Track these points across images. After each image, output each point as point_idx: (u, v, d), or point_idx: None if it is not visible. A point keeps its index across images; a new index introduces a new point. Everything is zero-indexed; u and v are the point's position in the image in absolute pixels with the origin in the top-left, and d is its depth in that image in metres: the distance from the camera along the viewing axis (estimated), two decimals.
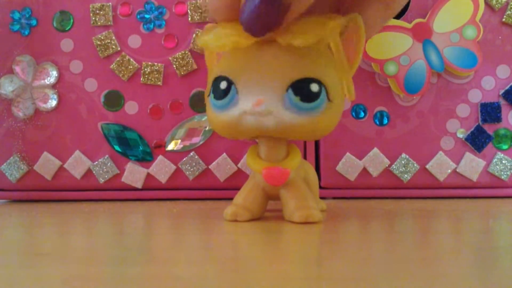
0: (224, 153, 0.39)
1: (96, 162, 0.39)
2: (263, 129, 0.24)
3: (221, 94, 0.25)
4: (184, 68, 0.38)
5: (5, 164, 0.39)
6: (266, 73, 0.24)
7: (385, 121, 0.38)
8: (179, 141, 0.39)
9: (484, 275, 0.16)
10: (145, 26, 0.39)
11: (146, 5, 0.39)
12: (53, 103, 0.39)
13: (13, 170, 0.39)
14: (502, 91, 0.38)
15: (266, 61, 0.24)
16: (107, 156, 0.39)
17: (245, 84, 0.24)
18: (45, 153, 0.39)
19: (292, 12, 0.22)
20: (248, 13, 0.22)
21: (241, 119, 0.24)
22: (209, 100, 0.26)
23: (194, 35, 0.38)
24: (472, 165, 0.38)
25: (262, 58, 0.24)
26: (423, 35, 0.37)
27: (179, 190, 0.39)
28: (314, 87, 0.24)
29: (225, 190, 0.39)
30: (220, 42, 0.24)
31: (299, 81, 0.24)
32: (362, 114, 0.39)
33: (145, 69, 0.39)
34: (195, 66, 0.39)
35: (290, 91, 0.24)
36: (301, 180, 0.28)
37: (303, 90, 0.24)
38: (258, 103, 0.24)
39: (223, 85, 0.25)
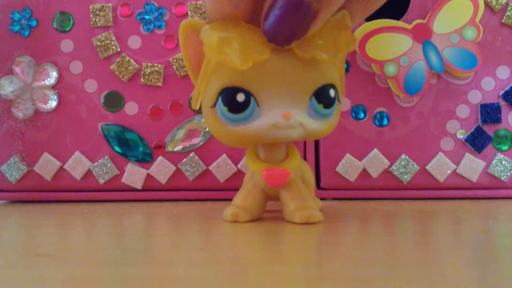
0: (224, 154, 0.39)
1: (96, 163, 0.39)
2: (288, 139, 0.25)
3: (238, 107, 0.24)
4: (184, 69, 0.39)
5: (5, 165, 0.39)
6: (288, 84, 0.24)
7: (385, 122, 0.38)
8: (179, 142, 0.39)
9: (484, 276, 0.16)
10: (145, 27, 0.39)
11: (146, 6, 0.39)
12: (53, 104, 0.39)
13: (13, 170, 0.39)
14: (502, 92, 0.38)
15: (284, 70, 0.24)
16: (107, 157, 0.39)
17: (266, 96, 0.24)
18: (45, 153, 0.39)
19: (319, 20, 0.22)
20: (273, 22, 0.22)
21: (268, 132, 0.24)
22: (217, 112, 0.24)
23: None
24: (472, 166, 0.38)
25: (280, 68, 0.24)
26: (423, 36, 0.37)
27: (179, 191, 0.39)
28: (332, 92, 0.24)
29: (225, 191, 0.39)
30: (244, 62, 0.23)
31: (320, 88, 0.24)
32: (362, 115, 0.39)
33: (145, 70, 0.39)
34: None
35: (313, 99, 0.24)
36: (300, 181, 0.28)
37: (325, 97, 0.24)
38: (287, 117, 0.23)
39: (241, 97, 0.23)
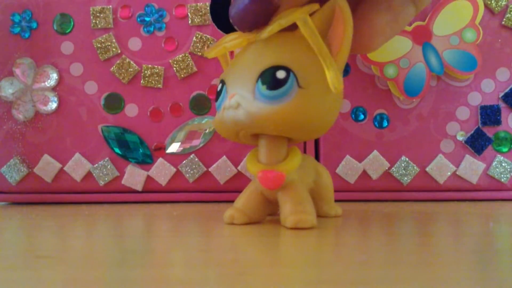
0: (224, 156, 0.39)
1: (96, 165, 0.39)
2: (238, 123, 0.25)
3: (217, 96, 0.26)
4: (184, 71, 0.39)
5: (5, 167, 0.39)
6: (242, 68, 0.25)
7: (385, 123, 0.38)
8: (179, 143, 0.39)
9: (485, 278, 0.16)
10: (145, 29, 0.39)
11: (146, 8, 0.39)
12: (53, 105, 0.39)
13: (13, 172, 0.39)
14: (501, 94, 0.38)
15: (244, 58, 0.25)
16: (107, 158, 0.39)
17: (229, 83, 0.25)
18: (45, 155, 0.39)
19: (279, 13, 0.23)
20: (238, 9, 0.23)
21: (223, 115, 0.25)
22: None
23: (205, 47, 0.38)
24: (472, 167, 0.38)
25: (242, 56, 0.25)
26: (422, 38, 0.37)
27: (179, 192, 0.39)
28: (280, 74, 0.23)
29: (225, 193, 0.39)
30: (212, 50, 0.26)
31: (266, 70, 0.24)
32: (361, 116, 0.39)
33: (145, 71, 0.39)
34: (195, 69, 0.39)
35: (259, 81, 0.24)
36: (302, 184, 0.27)
37: (269, 78, 0.23)
38: (231, 97, 0.25)
39: (219, 87, 0.26)
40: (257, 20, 0.24)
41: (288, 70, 0.23)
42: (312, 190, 0.28)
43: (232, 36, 0.26)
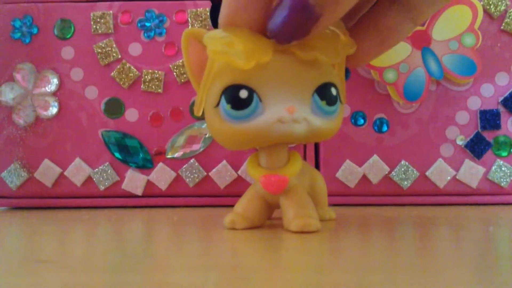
0: (224, 160, 0.39)
1: (97, 169, 0.39)
2: (292, 136, 0.24)
3: (241, 104, 0.23)
4: (185, 75, 0.39)
5: (5, 172, 0.39)
6: (289, 80, 0.24)
7: (385, 128, 0.39)
8: (179, 148, 0.39)
9: (485, 283, 0.16)
10: (145, 34, 0.39)
11: (146, 13, 0.39)
12: (53, 110, 0.39)
13: (14, 177, 0.39)
14: (501, 98, 0.38)
15: (286, 69, 0.24)
16: (107, 163, 0.39)
17: (269, 92, 0.24)
18: (45, 160, 0.39)
19: (320, 24, 0.22)
20: (277, 21, 0.22)
21: (273, 128, 0.24)
22: (220, 111, 0.24)
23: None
24: (471, 172, 0.38)
25: (281, 68, 0.24)
26: (422, 42, 0.37)
27: (179, 197, 0.39)
28: (334, 91, 0.25)
29: (225, 197, 0.39)
30: (246, 61, 0.23)
31: (322, 85, 0.24)
32: (361, 121, 0.39)
33: (146, 76, 0.39)
34: None
35: (315, 96, 0.24)
36: (303, 188, 0.27)
37: (327, 94, 0.24)
38: (291, 110, 0.23)
39: (244, 94, 0.23)
40: (299, 31, 0.23)
41: (336, 88, 0.25)
42: (308, 194, 0.28)
43: (251, 45, 0.23)
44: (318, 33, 0.23)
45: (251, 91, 0.24)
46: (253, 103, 0.24)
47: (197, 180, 0.39)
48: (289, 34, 0.23)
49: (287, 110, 0.23)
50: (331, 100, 0.24)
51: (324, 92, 0.24)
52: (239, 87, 0.24)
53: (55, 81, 0.39)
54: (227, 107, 0.24)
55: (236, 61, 0.23)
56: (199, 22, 0.39)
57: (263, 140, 0.24)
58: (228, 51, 0.23)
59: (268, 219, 0.29)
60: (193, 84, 0.26)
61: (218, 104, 0.24)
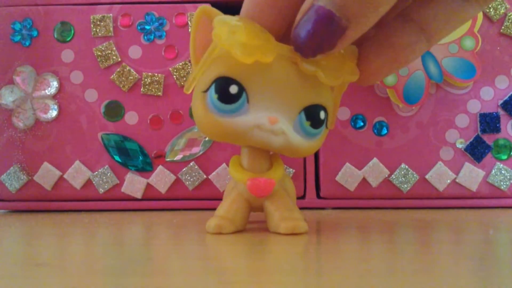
0: (224, 163, 0.39)
1: (96, 172, 0.39)
2: (268, 146, 0.24)
3: (229, 99, 0.23)
4: (184, 78, 0.39)
5: (5, 175, 0.39)
6: (282, 91, 0.24)
7: (384, 131, 0.39)
8: (179, 151, 0.39)
9: (485, 286, 0.16)
10: (145, 37, 0.39)
11: (146, 16, 0.39)
12: (53, 113, 0.39)
13: (13, 180, 0.39)
14: (501, 102, 0.38)
15: (283, 78, 0.24)
16: (107, 166, 0.39)
17: (258, 96, 0.24)
18: (45, 163, 0.39)
19: (346, 37, 0.22)
20: (302, 33, 0.22)
21: (251, 132, 0.24)
22: (207, 98, 0.24)
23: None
24: (471, 175, 0.38)
25: (279, 75, 0.24)
26: None
27: (178, 200, 0.39)
28: (322, 115, 0.24)
29: None
30: (247, 55, 0.22)
31: (312, 106, 0.24)
32: (361, 124, 0.39)
33: (145, 79, 0.39)
34: None
35: (302, 114, 0.24)
36: (285, 191, 0.27)
37: (314, 116, 0.24)
38: (274, 121, 0.23)
39: (234, 89, 0.23)
40: (323, 45, 0.22)
41: (326, 111, 0.25)
42: None
43: (256, 41, 0.23)
44: (342, 48, 0.23)
45: (241, 89, 0.23)
46: (239, 101, 0.23)
47: (196, 183, 0.39)
48: (314, 46, 0.22)
49: (269, 120, 0.23)
50: (316, 123, 0.24)
51: (311, 113, 0.24)
52: (231, 81, 0.23)
53: (55, 84, 0.39)
54: (214, 96, 0.24)
55: (237, 52, 0.22)
56: None
57: (238, 140, 0.24)
58: (231, 39, 0.22)
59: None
60: (192, 60, 0.25)
61: (207, 90, 0.24)
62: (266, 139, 0.24)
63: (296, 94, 0.24)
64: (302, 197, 0.39)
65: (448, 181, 0.38)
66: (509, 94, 0.38)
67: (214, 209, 0.39)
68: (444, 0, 0.24)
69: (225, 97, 0.23)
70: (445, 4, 0.24)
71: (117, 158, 0.39)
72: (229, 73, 0.24)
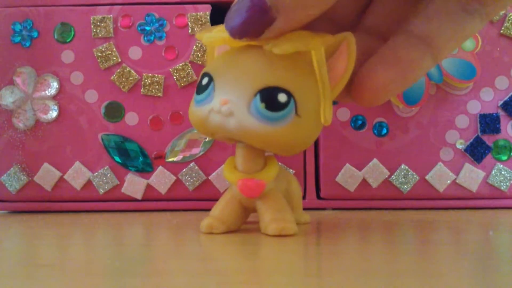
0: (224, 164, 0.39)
1: (96, 173, 0.39)
2: (226, 130, 0.24)
3: (200, 89, 0.25)
4: (184, 79, 0.39)
5: (5, 175, 0.39)
6: (240, 75, 0.24)
7: (384, 132, 0.39)
8: (179, 152, 0.39)
9: (485, 286, 0.16)
10: (145, 38, 0.39)
11: (146, 17, 0.39)
12: (53, 114, 0.39)
13: (13, 181, 0.39)
14: (501, 102, 0.38)
15: (244, 63, 0.24)
16: (107, 167, 0.39)
17: (221, 83, 0.24)
18: (45, 164, 0.39)
19: (274, 28, 0.22)
20: (234, 13, 0.23)
21: (208, 117, 0.24)
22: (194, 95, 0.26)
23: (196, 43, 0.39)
24: (471, 176, 0.38)
25: (242, 59, 0.24)
26: None
27: (179, 201, 0.39)
28: (282, 97, 0.23)
29: None
30: (211, 36, 0.24)
31: (268, 88, 0.23)
32: (361, 124, 0.39)
33: (146, 80, 0.39)
34: (195, 78, 0.39)
35: (257, 97, 0.23)
36: (279, 192, 0.27)
37: (270, 98, 0.23)
38: (224, 102, 0.24)
39: (205, 81, 0.25)
40: (249, 30, 0.23)
41: (290, 96, 0.23)
42: (284, 198, 0.28)
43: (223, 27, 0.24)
44: (271, 36, 0.23)
45: (210, 79, 0.25)
46: (207, 90, 0.24)
47: (197, 184, 0.39)
48: (241, 30, 0.23)
49: (221, 101, 0.24)
50: (272, 106, 0.23)
51: (267, 96, 0.23)
52: (205, 74, 0.25)
53: (55, 84, 0.39)
54: (195, 91, 0.26)
55: (204, 36, 0.25)
56: (199, 26, 0.39)
57: (205, 128, 0.25)
58: (211, 33, 0.25)
59: (243, 223, 0.29)
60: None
61: None
62: (221, 122, 0.24)
63: (253, 76, 0.24)
64: (302, 197, 0.39)
65: (448, 181, 0.38)
66: (509, 95, 0.38)
67: None
68: (447, 15, 0.24)
69: (199, 89, 0.25)
70: (448, 19, 0.24)
71: (117, 158, 0.39)
72: (206, 70, 0.25)
